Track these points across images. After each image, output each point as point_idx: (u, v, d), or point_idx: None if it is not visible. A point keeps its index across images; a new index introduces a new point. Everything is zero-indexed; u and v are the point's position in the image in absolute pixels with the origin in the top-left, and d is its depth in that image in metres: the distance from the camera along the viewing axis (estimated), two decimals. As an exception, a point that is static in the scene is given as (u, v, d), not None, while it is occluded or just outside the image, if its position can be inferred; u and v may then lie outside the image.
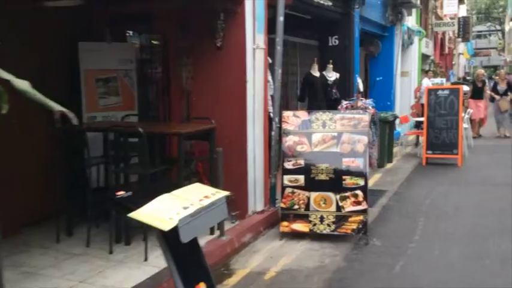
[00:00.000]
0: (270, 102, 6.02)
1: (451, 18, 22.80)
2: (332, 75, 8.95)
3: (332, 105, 8.06)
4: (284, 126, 5.29)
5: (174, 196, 2.76)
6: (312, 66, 8.67)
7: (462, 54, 39.72)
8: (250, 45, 5.20)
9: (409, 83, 16.70)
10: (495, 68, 58.69)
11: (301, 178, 5.15)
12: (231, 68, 5.19)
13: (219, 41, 5.05)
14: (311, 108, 8.53)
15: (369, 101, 6.67)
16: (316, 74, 8.65)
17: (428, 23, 20.41)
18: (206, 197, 2.79)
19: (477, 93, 13.32)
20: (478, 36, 67.09)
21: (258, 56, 5.29)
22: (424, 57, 19.85)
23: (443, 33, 26.42)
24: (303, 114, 5.30)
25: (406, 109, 13.82)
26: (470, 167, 8.95)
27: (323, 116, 5.24)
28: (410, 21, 16.14)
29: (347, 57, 9.22)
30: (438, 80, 17.86)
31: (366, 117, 5.14)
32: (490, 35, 65.75)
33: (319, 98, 8.54)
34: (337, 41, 9.19)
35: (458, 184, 7.66)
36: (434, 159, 9.40)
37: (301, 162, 5.18)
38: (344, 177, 5.07)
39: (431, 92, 9.33)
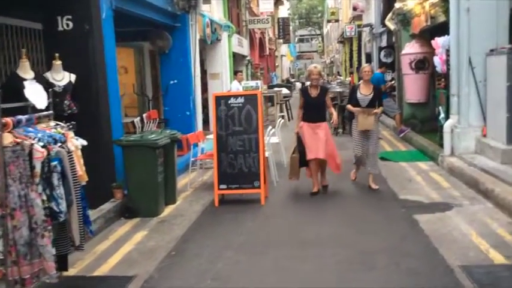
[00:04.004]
0: None
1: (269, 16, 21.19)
2: (62, 78, 5.65)
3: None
4: None
5: None
6: (19, 64, 5.21)
7: (285, 56, 39.66)
8: None
9: (221, 87, 14.21)
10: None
11: None
12: None
13: None
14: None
15: (48, 133, 3.32)
16: (28, 75, 5.20)
17: (241, 20, 18.30)
18: None
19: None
20: (301, 40, 70.27)
21: None
22: (240, 57, 17.70)
23: (263, 34, 25.00)
24: None
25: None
26: (275, 206, 6.36)
27: None
28: (216, 13, 13.61)
29: (91, 49, 5.92)
30: (253, 82, 15.76)
31: None
32: (311, 39, 69.10)
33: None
34: (70, 24, 5.83)
35: (253, 247, 4.89)
36: (231, 196, 6.66)
37: None
38: None
39: (220, 100, 6.52)
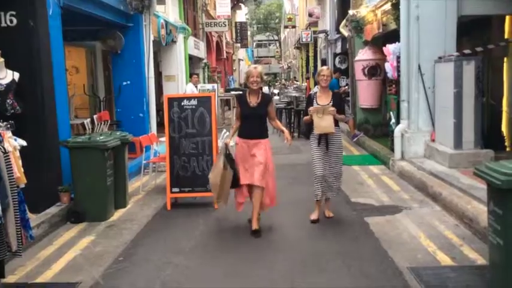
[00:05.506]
0: None
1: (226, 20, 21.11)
2: (5, 76, 5.38)
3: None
4: None
5: None
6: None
7: (243, 60, 39.68)
8: None
9: (176, 89, 14.02)
10: (275, 75, 62.20)
11: None
12: None
13: None
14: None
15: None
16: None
17: (198, 22, 18.15)
18: None
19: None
20: (259, 45, 70.52)
21: None
22: (196, 60, 17.55)
23: (220, 37, 24.90)
24: None
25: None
26: (228, 209, 6.18)
27: None
28: (172, 15, 13.43)
29: (36, 46, 5.66)
30: (209, 85, 15.68)
31: None
32: (269, 44, 69.50)
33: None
34: (14, 20, 5.56)
35: (204, 251, 4.79)
36: (184, 199, 6.53)
37: None
38: None
39: (173, 102, 6.40)
